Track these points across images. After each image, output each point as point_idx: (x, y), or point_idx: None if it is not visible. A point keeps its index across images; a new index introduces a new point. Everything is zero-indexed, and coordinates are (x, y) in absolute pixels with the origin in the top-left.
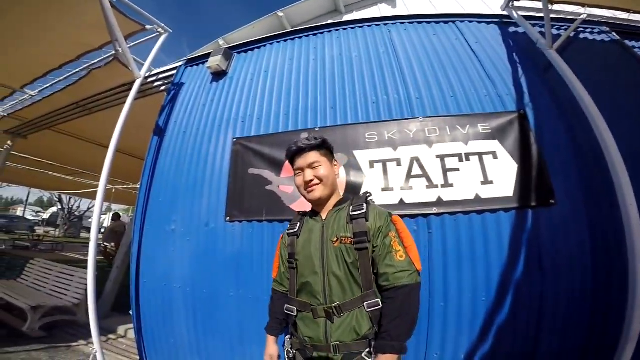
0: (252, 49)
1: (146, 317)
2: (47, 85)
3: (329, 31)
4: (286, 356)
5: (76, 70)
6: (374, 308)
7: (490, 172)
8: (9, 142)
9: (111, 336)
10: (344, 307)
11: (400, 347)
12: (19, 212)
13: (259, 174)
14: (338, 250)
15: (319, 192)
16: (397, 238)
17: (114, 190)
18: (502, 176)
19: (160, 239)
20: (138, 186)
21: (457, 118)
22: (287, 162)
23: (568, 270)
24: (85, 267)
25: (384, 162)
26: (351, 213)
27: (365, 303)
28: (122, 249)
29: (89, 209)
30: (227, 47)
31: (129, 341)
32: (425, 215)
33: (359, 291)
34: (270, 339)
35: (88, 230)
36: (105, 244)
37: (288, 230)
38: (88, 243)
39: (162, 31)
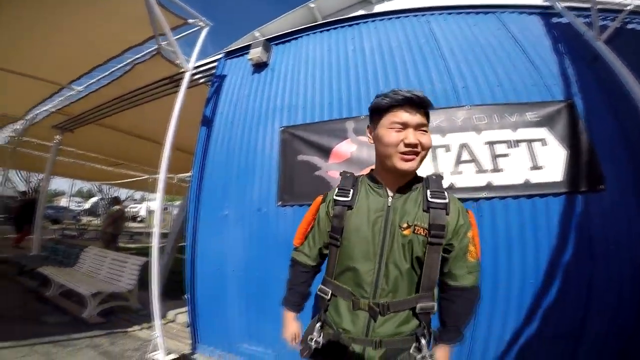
0: (289, 40)
1: (200, 300)
2: (93, 81)
3: (365, 22)
4: (312, 345)
5: (120, 65)
6: (427, 311)
7: (539, 158)
8: (57, 137)
9: (162, 321)
10: (394, 306)
11: (462, 336)
12: (63, 203)
13: (308, 160)
14: (407, 240)
15: (416, 163)
16: (472, 238)
17: (150, 180)
18: (552, 162)
19: (214, 225)
20: (172, 175)
21: (505, 106)
22: (335, 149)
23: (617, 255)
24: (132, 254)
25: (434, 148)
26: (430, 199)
27: (419, 305)
28: (173, 236)
29: (127, 198)
30: (265, 39)
31: (178, 325)
32: (475, 200)
33: (415, 290)
34: (290, 316)
35: (127, 219)
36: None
37: (337, 195)
38: (127, 231)
39: (203, 24)
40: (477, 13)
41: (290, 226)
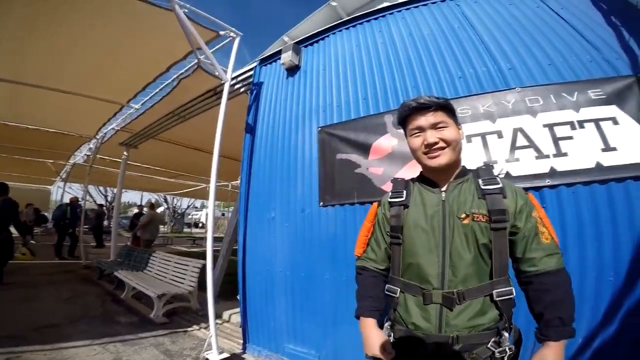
0: (317, 41)
1: (251, 301)
2: (147, 99)
3: (391, 13)
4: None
5: (167, 81)
6: (505, 297)
7: (611, 139)
8: (124, 153)
9: (217, 321)
10: (469, 293)
11: (573, 331)
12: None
13: (347, 159)
14: (469, 229)
15: (445, 157)
16: (539, 218)
17: (207, 189)
18: (627, 142)
19: (262, 227)
20: (226, 182)
21: (561, 86)
22: (374, 144)
23: None
24: (194, 258)
25: (483, 135)
26: (483, 187)
27: (495, 291)
28: (227, 239)
29: (188, 206)
30: (294, 42)
31: (232, 325)
32: (537, 188)
33: (488, 277)
34: (370, 323)
35: (189, 225)
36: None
37: (392, 198)
38: (191, 237)
39: (235, 35)
40: None
41: (332, 226)
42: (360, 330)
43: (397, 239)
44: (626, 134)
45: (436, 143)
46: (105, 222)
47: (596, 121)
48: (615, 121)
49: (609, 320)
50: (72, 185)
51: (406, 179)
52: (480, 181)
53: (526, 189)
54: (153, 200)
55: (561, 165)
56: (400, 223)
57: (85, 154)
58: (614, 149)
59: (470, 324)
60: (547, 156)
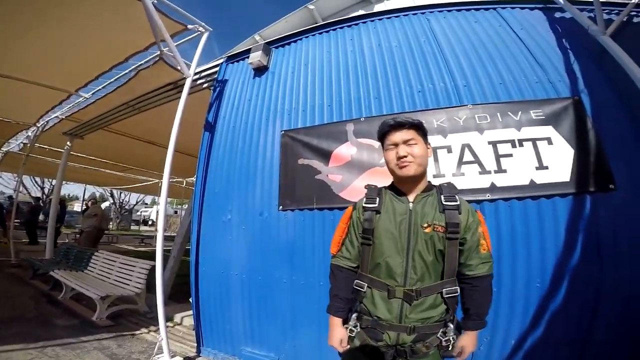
0: (288, 43)
1: (204, 304)
2: (99, 88)
3: (364, 22)
4: (347, 334)
5: (125, 72)
6: (452, 295)
7: (545, 158)
8: (68, 143)
9: (169, 324)
10: (424, 291)
11: (485, 323)
12: (76, 208)
13: (309, 164)
14: (429, 237)
15: (412, 168)
16: (482, 233)
17: (160, 184)
18: (558, 161)
19: (217, 229)
20: (181, 179)
21: (508, 105)
22: (335, 152)
23: (628, 258)
24: (142, 258)
25: (434, 150)
26: (444, 203)
27: (444, 289)
28: (179, 239)
29: (137, 202)
30: (265, 42)
31: (184, 328)
32: (478, 202)
33: (440, 278)
34: (337, 322)
35: (137, 222)
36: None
37: (366, 203)
38: (138, 235)
39: (203, 30)
40: (478, 9)
41: (292, 231)
42: (329, 325)
43: (367, 240)
44: (558, 154)
45: (406, 156)
46: (41, 217)
47: (534, 140)
48: (550, 141)
49: (537, 323)
50: (2, 174)
51: (379, 186)
52: (442, 197)
53: (468, 202)
54: (97, 195)
55: (500, 181)
56: (372, 226)
57: (21, 142)
58: (547, 167)
59: (423, 316)
60: (489, 172)
